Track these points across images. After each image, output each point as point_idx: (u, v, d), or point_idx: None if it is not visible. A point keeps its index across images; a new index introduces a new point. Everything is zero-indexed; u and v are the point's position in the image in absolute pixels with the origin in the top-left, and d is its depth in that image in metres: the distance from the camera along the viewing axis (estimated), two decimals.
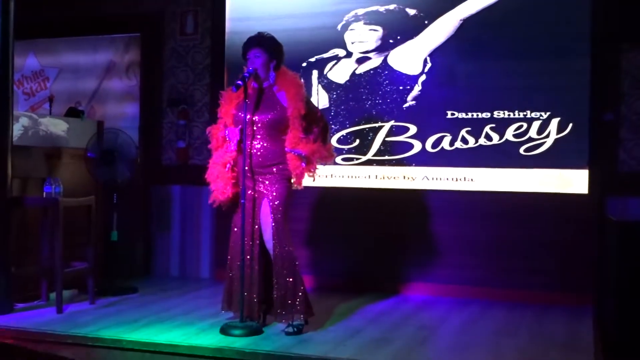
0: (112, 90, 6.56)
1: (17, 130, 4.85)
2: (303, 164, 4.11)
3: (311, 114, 4.19)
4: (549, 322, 4.62)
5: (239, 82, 4.03)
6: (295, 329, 4.10)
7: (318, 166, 4.22)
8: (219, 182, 4.23)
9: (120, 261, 5.52)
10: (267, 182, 4.15)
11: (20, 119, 5.01)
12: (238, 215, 4.19)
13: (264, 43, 4.16)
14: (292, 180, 4.18)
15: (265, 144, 4.14)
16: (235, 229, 4.23)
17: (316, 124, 4.19)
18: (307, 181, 4.26)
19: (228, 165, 4.21)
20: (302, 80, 4.27)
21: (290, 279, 4.13)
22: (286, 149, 4.11)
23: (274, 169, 4.15)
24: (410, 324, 4.52)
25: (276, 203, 4.12)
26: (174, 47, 6.21)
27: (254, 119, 4.14)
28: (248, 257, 4.14)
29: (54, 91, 6.49)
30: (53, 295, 4.74)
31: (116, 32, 6.48)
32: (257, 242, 4.17)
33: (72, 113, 5.66)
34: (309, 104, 4.25)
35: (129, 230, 5.80)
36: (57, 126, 5.31)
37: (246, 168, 4.10)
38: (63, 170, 5.16)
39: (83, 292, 5.08)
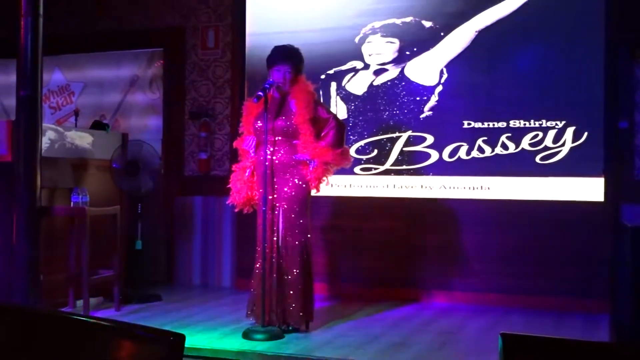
0: (136, 104, 6.71)
1: (44, 143, 4.97)
2: (310, 168, 4.22)
3: (319, 118, 4.30)
4: (567, 328, 4.66)
5: (260, 92, 4.15)
6: (291, 328, 4.23)
7: (333, 171, 4.33)
8: (237, 185, 4.41)
9: (144, 269, 5.63)
10: (285, 188, 4.27)
11: (47, 132, 5.15)
12: (266, 222, 4.29)
13: (291, 58, 4.30)
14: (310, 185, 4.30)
15: (282, 151, 4.28)
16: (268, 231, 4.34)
17: (328, 127, 4.30)
18: (324, 189, 4.36)
19: (248, 171, 4.39)
20: (312, 86, 4.39)
21: (296, 270, 4.22)
22: (295, 156, 4.24)
23: (291, 173, 4.27)
24: (429, 330, 4.59)
25: (292, 201, 4.24)
26: (196, 61, 6.36)
27: (274, 127, 4.27)
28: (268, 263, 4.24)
29: (79, 105, 6.64)
30: (80, 302, 4.87)
31: (139, 47, 6.64)
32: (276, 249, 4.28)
33: (97, 126, 5.81)
34: (316, 108, 4.35)
35: (153, 239, 5.92)
36: (82, 139, 5.45)
37: (267, 173, 4.23)
38: (89, 181, 5.29)
39: (108, 299, 5.21)
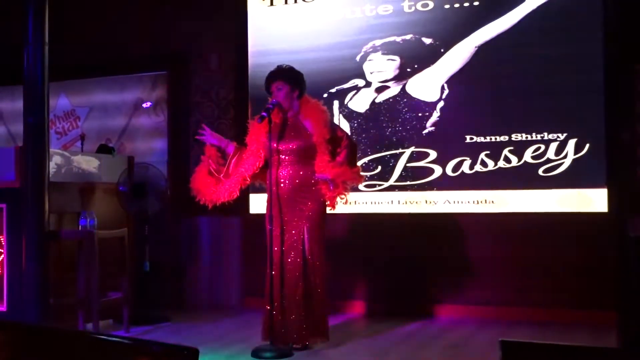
0: (141, 127, 6.79)
1: (51, 168, 5.04)
2: (331, 187, 4.25)
3: (335, 137, 4.35)
4: (573, 341, 4.68)
5: (264, 113, 4.23)
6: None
7: (349, 188, 4.37)
8: (197, 184, 4.49)
9: (152, 291, 5.68)
10: (298, 209, 4.29)
11: (54, 157, 5.21)
12: (273, 241, 4.32)
13: (284, 75, 4.37)
14: (327, 203, 4.33)
15: (292, 171, 4.31)
16: (275, 256, 4.35)
17: (341, 146, 4.35)
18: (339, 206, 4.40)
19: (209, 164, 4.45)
20: (324, 106, 4.45)
21: (319, 290, 4.24)
22: (316, 175, 4.28)
23: (307, 192, 4.31)
24: (437, 344, 4.63)
25: (311, 221, 4.27)
26: (199, 83, 6.44)
27: (279, 148, 4.32)
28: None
29: (85, 129, 6.72)
30: (89, 325, 4.91)
31: (143, 70, 6.73)
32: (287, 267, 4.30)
33: (103, 150, 5.88)
34: (332, 128, 4.41)
35: (160, 261, 5.97)
36: (89, 163, 5.52)
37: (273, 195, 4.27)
38: (96, 204, 5.35)
39: (118, 321, 5.26)
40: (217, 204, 4.49)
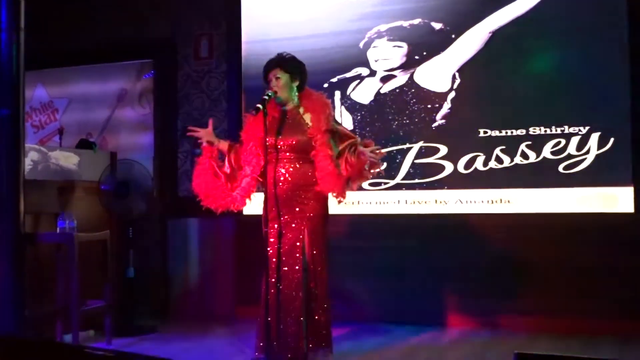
0: (125, 120, 6.79)
1: (26, 165, 5.04)
2: (341, 177, 4.19)
3: (338, 131, 4.33)
4: (597, 354, 4.62)
5: (258, 105, 4.21)
6: None
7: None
8: (203, 187, 4.41)
9: (137, 299, 5.67)
10: (298, 209, 4.27)
11: (30, 153, 5.21)
12: (269, 246, 4.29)
13: (284, 63, 4.35)
14: (333, 195, 4.29)
15: (292, 169, 4.28)
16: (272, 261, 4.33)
17: (349, 139, 4.31)
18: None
19: (223, 177, 4.39)
20: (328, 99, 4.43)
21: (299, 294, 4.23)
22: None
23: (308, 191, 4.29)
24: (450, 356, 4.62)
25: (312, 222, 4.26)
26: (188, 72, 6.44)
27: (278, 144, 4.29)
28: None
29: (63, 123, 6.73)
30: (69, 336, 4.90)
31: (127, 58, 6.73)
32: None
33: (84, 145, 5.87)
34: (335, 121, 4.39)
35: (146, 266, 5.97)
36: (68, 159, 5.51)
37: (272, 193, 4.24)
38: (76, 205, 5.34)
39: (99, 332, 5.26)
40: (233, 210, 4.44)
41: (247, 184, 4.36)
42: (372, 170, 4.28)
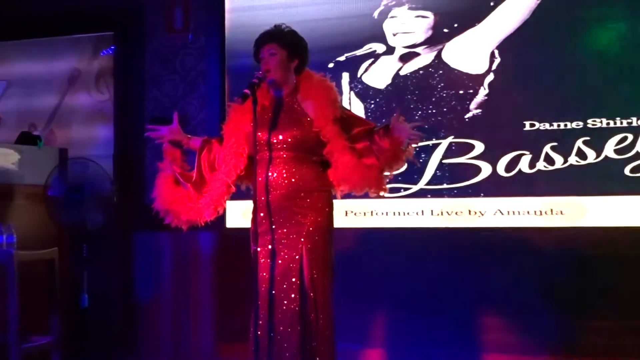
0: (78, 108, 6.79)
1: None
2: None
3: (350, 118, 4.27)
4: None
5: (246, 90, 4.14)
6: None
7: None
8: (166, 201, 4.35)
9: (93, 333, 5.64)
10: (295, 222, 4.21)
11: None
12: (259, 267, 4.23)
13: (280, 37, 4.28)
14: (371, 192, 4.20)
15: (287, 172, 4.22)
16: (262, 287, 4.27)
17: (366, 126, 4.27)
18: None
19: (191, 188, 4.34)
20: (333, 82, 4.36)
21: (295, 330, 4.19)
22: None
23: (307, 200, 4.23)
24: None
25: (312, 239, 4.19)
26: (158, 48, 6.42)
27: (272, 140, 4.23)
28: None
29: (1, 111, 6.69)
30: None
31: (81, 31, 6.72)
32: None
33: (26, 139, 5.85)
34: (342, 107, 4.33)
35: (104, 293, 5.94)
36: (6, 157, 5.49)
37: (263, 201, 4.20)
38: (16, 215, 5.33)
39: None
40: (199, 224, 4.37)
41: (216, 189, 4.30)
42: (411, 146, 4.22)
